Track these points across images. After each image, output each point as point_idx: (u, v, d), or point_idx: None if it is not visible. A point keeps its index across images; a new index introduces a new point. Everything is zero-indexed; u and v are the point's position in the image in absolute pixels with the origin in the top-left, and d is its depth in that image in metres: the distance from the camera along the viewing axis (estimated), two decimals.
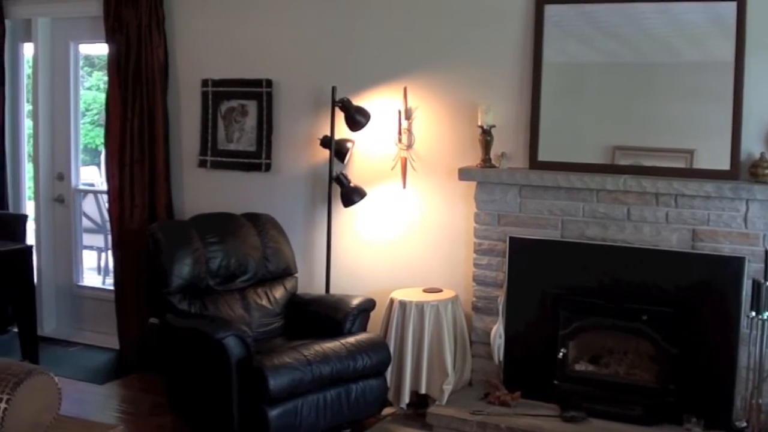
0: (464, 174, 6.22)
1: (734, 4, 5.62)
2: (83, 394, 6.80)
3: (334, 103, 6.66)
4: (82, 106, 8.63)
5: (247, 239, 6.54)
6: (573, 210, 5.97)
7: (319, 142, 6.81)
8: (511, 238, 6.14)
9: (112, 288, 7.87)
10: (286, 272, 6.70)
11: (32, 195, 8.65)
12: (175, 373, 6.08)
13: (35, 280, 7.76)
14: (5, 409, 3.36)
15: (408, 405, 6.22)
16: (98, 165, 10.86)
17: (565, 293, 5.98)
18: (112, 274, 8.11)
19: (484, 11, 6.36)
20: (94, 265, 10.01)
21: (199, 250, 6.27)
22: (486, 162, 6.21)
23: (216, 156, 7.42)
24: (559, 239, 6.02)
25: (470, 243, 6.36)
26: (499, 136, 6.21)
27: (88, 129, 10.37)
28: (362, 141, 6.79)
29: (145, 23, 7.36)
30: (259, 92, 7.18)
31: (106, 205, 8.10)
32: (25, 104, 8.62)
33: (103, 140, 7.96)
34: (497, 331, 6.18)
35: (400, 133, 6.60)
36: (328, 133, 6.72)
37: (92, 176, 10.67)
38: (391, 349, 6.11)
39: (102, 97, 8.72)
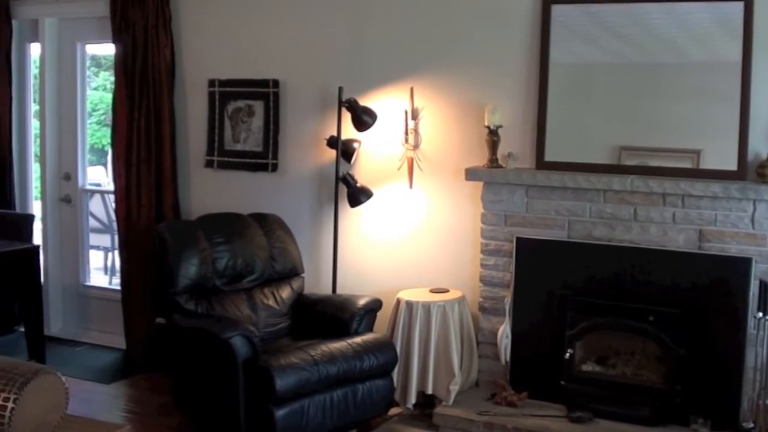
0: (471, 174, 6.22)
1: (741, 4, 5.62)
2: (90, 394, 6.81)
3: (340, 104, 6.66)
4: (88, 107, 8.64)
5: (253, 239, 6.54)
6: (580, 210, 5.96)
7: (325, 142, 6.81)
8: (517, 238, 6.14)
9: (118, 288, 7.87)
10: (293, 272, 6.70)
11: (39, 195, 8.66)
12: (182, 373, 6.09)
13: (42, 279, 7.76)
14: (12, 408, 3.36)
15: (414, 405, 6.22)
16: (105, 165, 10.88)
17: (572, 294, 5.97)
18: (118, 274, 8.11)
19: (490, 11, 6.35)
20: (101, 265, 10.03)
21: (206, 250, 6.28)
22: (493, 162, 6.20)
23: (223, 156, 7.43)
24: (565, 239, 6.02)
25: (477, 243, 6.36)
26: (506, 136, 6.21)
27: (95, 129, 10.39)
28: (369, 141, 6.79)
29: (152, 23, 7.36)
30: (265, 92, 7.18)
31: (113, 205, 8.11)
32: (32, 104, 8.64)
33: (109, 140, 7.97)
34: (504, 331, 6.17)
35: (406, 133, 6.60)
36: (335, 134, 6.72)
37: (99, 176, 10.70)
38: (398, 350, 6.11)
39: (108, 97, 8.75)
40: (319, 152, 6.99)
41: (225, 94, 7.37)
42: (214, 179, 7.51)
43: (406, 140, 6.60)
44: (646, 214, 5.77)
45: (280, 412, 5.40)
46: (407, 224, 6.75)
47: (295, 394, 5.45)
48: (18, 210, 8.39)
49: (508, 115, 6.24)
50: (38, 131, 8.49)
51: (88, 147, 8.58)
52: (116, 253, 8.80)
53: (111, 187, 8.17)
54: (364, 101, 6.68)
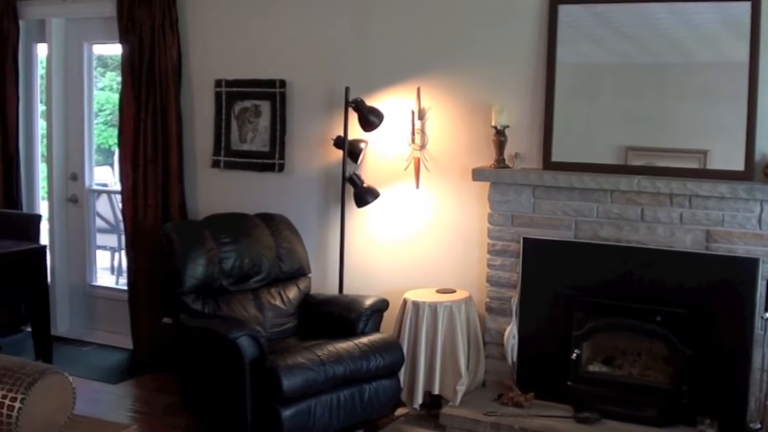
0: (478, 174, 6.21)
1: (748, 4, 5.61)
2: (97, 394, 6.82)
3: (347, 104, 6.66)
4: (95, 107, 8.64)
5: (260, 239, 6.54)
6: (587, 210, 5.96)
7: (332, 142, 6.81)
8: (524, 238, 6.13)
9: (125, 288, 7.88)
10: (300, 272, 6.70)
11: (46, 195, 8.67)
12: (189, 373, 6.09)
13: (49, 279, 7.77)
14: (20, 408, 3.36)
15: (421, 405, 6.21)
16: (111, 165, 10.89)
17: (579, 294, 5.97)
18: (125, 274, 8.12)
19: (497, 11, 6.35)
20: (108, 265, 10.04)
21: (213, 251, 6.28)
22: (499, 162, 6.20)
23: (229, 156, 7.43)
24: (572, 240, 6.01)
25: (484, 243, 6.36)
26: (513, 137, 6.21)
27: (101, 129, 10.39)
28: (375, 141, 6.79)
29: (159, 23, 7.37)
30: (272, 93, 7.19)
31: (120, 205, 8.12)
32: (39, 105, 8.65)
33: (116, 140, 7.98)
34: (511, 331, 6.17)
35: (413, 133, 6.59)
36: (342, 134, 6.72)
37: (105, 176, 10.71)
38: (405, 350, 6.11)
39: (115, 97, 8.76)
40: (325, 152, 7.00)
41: (232, 94, 7.38)
42: (221, 179, 7.52)
43: (413, 140, 6.60)
44: (653, 214, 5.77)
45: (286, 412, 5.40)
46: (414, 224, 6.74)
47: (302, 394, 5.45)
48: (25, 210, 8.40)
49: (515, 116, 6.24)
50: (45, 131, 8.50)
51: (94, 147, 8.59)
52: (123, 253, 8.80)
53: (118, 187, 8.17)
54: (371, 101, 6.68)
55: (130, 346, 7.76)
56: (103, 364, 7.61)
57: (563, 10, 6.11)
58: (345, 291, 6.80)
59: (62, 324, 8.43)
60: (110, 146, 10.67)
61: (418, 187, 6.66)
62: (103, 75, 10.68)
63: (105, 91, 10.71)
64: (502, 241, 6.24)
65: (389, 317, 6.38)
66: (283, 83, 7.14)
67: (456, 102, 6.52)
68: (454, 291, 6.40)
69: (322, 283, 6.99)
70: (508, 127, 6.18)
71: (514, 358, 6.19)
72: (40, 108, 8.65)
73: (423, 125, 6.59)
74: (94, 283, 8.58)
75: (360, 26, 6.84)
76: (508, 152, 6.20)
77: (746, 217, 5.53)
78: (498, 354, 6.29)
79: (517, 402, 5.92)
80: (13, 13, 8.15)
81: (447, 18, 6.51)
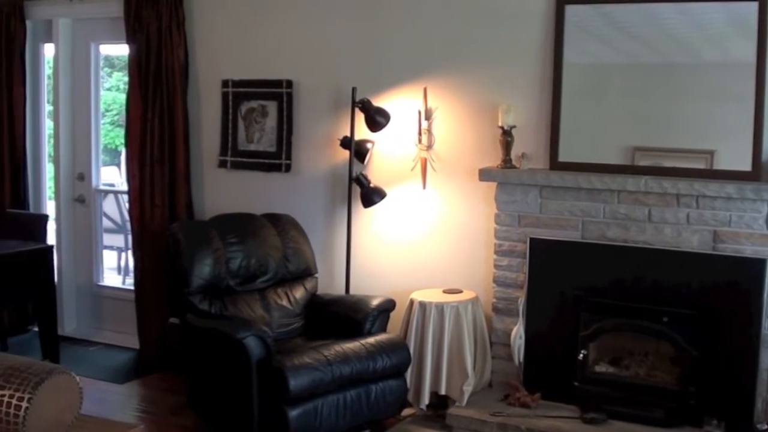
0: (485, 175, 6.21)
1: (756, 5, 5.59)
2: (104, 394, 6.82)
3: (354, 104, 6.66)
4: (102, 107, 8.65)
5: (267, 240, 6.55)
6: (594, 211, 5.95)
7: (339, 142, 6.81)
8: (531, 239, 6.13)
9: (132, 288, 7.89)
10: (306, 273, 6.70)
11: (53, 195, 8.68)
12: (196, 373, 6.10)
13: (56, 279, 7.79)
14: (27, 408, 3.36)
15: (428, 406, 6.21)
16: (118, 165, 10.91)
17: (586, 294, 5.96)
18: (132, 274, 8.14)
19: (504, 12, 6.35)
20: (115, 264, 10.05)
21: (220, 251, 6.29)
22: (506, 163, 6.20)
23: (236, 156, 7.43)
24: (579, 240, 6.00)
25: (490, 244, 6.35)
26: (520, 137, 6.20)
27: (108, 129, 10.41)
28: (382, 142, 6.79)
29: (166, 24, 7.37)
30: (279, 93, 7.19)
31: (127, 205, 8.12)
32: (46, 105, 8.66)
33: (123, 140, 8.00)
34: (517, 332, 6.16)
35: (420, 133, 6.59)
36: (348, 134, 6.72)
37: (112, 176, 10.72)
38: (411, 350, 6.11)
39: (122, 97, 8.75)
40: (332, 153, 7.00)
41: (238, 94, 7.38)
42: (228, 179, 7.52)
43: (420, 141, 6.60)
44: (660, 214, 5.76)
45: (293, 413, 5.40)
46: (420, 225, 6.74)
47: (309, 394, 5.46)
48: (32, 210, 8.42)
49: (522, 116, 6.23)
50: (52, 131, 8.52)
51: (101, 147, 8.59)
52: (130, 253, 8.81)
53: (124, 187, 8.18)
54: (378, 101, 6.68)
55: (137, 346, 7.77)
56: (109, 364, 7.62)
57: (570, 10, 6.10)
58: (352, 291, 6.81)
59: (69, 324, 8.44)
60: (117, 146, 10.68)
61: (424, 187, 6.66)
62: (109, 75, 10.69)
63: (112, 91, 10.72)
64: (508, 242, 6.24)
65: (396, 317, 6.38)
66: (289, 83, 7.14)
67: (463, 102, 6.51)
68: (460, 291, 6.39)
69: (329, 283, 6.99)
70: (514, 127, 6.17)
71: (521, 359, 6.19)
72: (47, 108, 8.66)
73: (430, 125, 6.59)
74: (101, 283, 8.59)
75: (367, 27, 6.84)
76: (515, 152, 6.19)
77: (753, 218, 5.51)
78: (505, 354, 6.28)
79: (524, 402, 5.92)
80: (20, 13, 8.17)
81: (454, 18, 6.51)
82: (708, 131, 5.85)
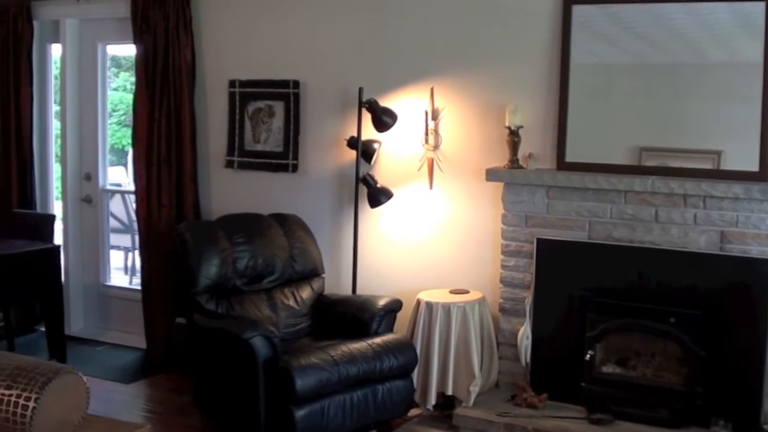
0: (491, 175, 6.21)
1: (763, 5, 5.58)
2: (110, 394, 6.82)
3: (361, 104, 6.66)
4: (109, 107, 8.66)
5: (274, 240, 6.55)
6: (600, 211, 5.95)
7: (345, 143, 6.81)
8: (538, 239, 6.13)
9: (139, 288, 7.90)
10: (313, 273, 6.70)
11: (60, 195, 8.69)
12: (202, 373, 6.10)
13: (63, 279, 7.80)
14: (34, 408, 3.37)
15: (434, 406, 6.21)
16: (125, 165, 10.92)
17: (593, 295, 5.96)
18: (139, 274, 8.14)
19: (511, 12, 6.34)
20: (121, 264, 10.07)
21: (227, 251, 6.29)
22: (513, 163, 6.19)
23: (243, 156, 7.44)
24: (586, 241, 6.00)
25: (497, 244, 6.35)
26: (527, 137, 6.20)
27: (115, 129, 10.43)
28: (389, 142, 6.79)
29: (173, 24, 7.38)
30: (286, 93, 7.19)
31: (133, 205, 8.15)
32: (53, 105, 8.67)
33: (130, 140, 8.00)
34: (524, 332, 6.16)
35: (426, 133, 6.59)
36: (355, 134, 6.72)
37: (119, 176, 10.73)
38: (418, 350, 6.11)
39: (128, 97, 8.78)
40: (339, 153, 7.00)
41: (245, 94, 7.38)
42: (235, 179, 7.52)
43: (427, 141, 6.60)
44: (667, 215, 5.75)
45: (300, 413, 5.40)
46: (427, 225, 6.74)
47: (315, 394, 5.46)
48: (39, 210, 8.43)
49: (529, 116, 6.22)
50: (59, 131, 8.52)
51: (108, 147, 8.60)
52: (137, 253, 8.83)
53: (131, 187, 8.20)
54: (385, 102, 6.68)
55: (144, 346, 7.78)
56: (116, 364, 7.63)
57: (577, 10, 6.10)
58: (358, 291, 6.81)
59: (76, 324, 8.45)
60: (124, 146, 10.70)
61: (431, 187, 6.65)
62: (116, 75, 10.72)
63: (118, 91, 10.75)
64: (515, 242, 6.23)
65: (402, 318, 6.38)
66: (296, 84, 7.14)
67: (469, 102, 6.51)
68: (467, 291, 6.39)
69: (336, 283, 6.99)
70: (521, 127, 6.17)
71: (528, 359, 6.18)
72: (54, 108, 8.67)
73: (436, 125, 6.59)
74: (108, 283, 8.60)
75: (373, 27, 6.84)
76: (521, 153, 6.19)
77: (761, 218, 5.51)
78: (511, 355, 6.28)
79: (531, 403, 5.91)
80: (28, 13, 8.18)
81: (461, 18, 6.51)
82: (715, 131, 5.85)
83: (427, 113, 6.58)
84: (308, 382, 5.37)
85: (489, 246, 6.48)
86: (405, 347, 5.96)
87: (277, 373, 5.42)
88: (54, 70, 8.70)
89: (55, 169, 8.76)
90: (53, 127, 8.69)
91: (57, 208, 8.72)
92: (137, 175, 7.67)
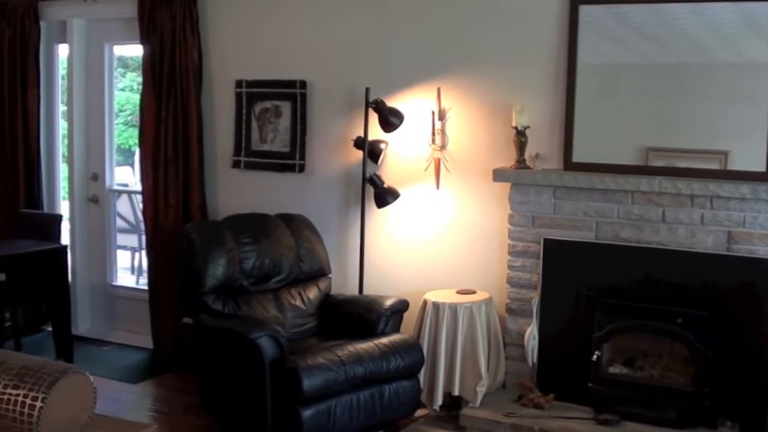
0: (498, 175, 6.20)
1: None
2: (117, 393, 6.84)
3: (367, 104, 6.66)
4: (115, 107, 8.67)
5: (281, 240, 6.55)
6: (607, 211, 5.94)
7: (352, 143, 6.81)
8: (545, 239, 6.12)
9: (145, 288, 7.91)
10: (320, 273, 6.71)
11: (67, 195, 8.70)
12: (209, 373, 6.11)
13: (70, 279, 7.80)
14: (41, 407, 3.36)
15: (441, 407, 6.20)
16: (132, 165, 10.93)
17: (600, 295, 5.95)
18: (145, 274, 8.15)
19: (518, 12, 6.34)
20: (128, 264, 10.08)
21: (233, 251, 6.29)
22: (520, 163, 6.19)
23: (250, 157, 7.44)
24: (593, 241, 5.99)
25: (504, 244, 6.35)
26: (534, 137, 6.19)
27: (122, 129, 10.43)
28: (396, 142, 6.79)
29: (180, 25, 7.38)
30: (293, 93, 7.19)
31: (140, 205, 8.15)
32: (60, 105, 8.69)
33: (136, 141, 8.02)
34: (531, 333, 6.15)
35: (433, 134, 6.59)
36: (362, 134, 6.72)
37: (126, 177, 10.74)
38: (425, 351, 6.11)
39: (135, 97, 8.79)
40: (346, 153, 7.00)
41: (252, 94, 7.39)
42: (241, 179, 7.53)
43: (433, 141, 6.59)
44: (674, 215, 5.74)
45: (306, 413, 5.41)
46: (434, 225, 6.74)
47: (322, 394, 5.46)
48: (46, 210, 8.44)
49: (536, 116, 6.22)
50: (66, 132, 8.54)
51: (115, 147, 8.61)
52: (143, 253, 8.84)
53: (138, 187, 8.20)
54: (391, 102, 6.67)
55: (151, 346, 7.79)
56: (123, 364, 7.64)
57: (584, 10, 6.09)
58: (365, 291, 6.80)
59: (83, 323, 8.46)
60: (131, 146, 10.71)
61: (438, 187, 6.65)
62: (123, 75, 10.72)
63: (125, 91, 10.75)
64: (522, 242, 6.23)
65: (409, 318, 6.38)
66: (303, 84, 7.15)
67: (476, 102, 6.51)
68: (474, 292, 6.39)
69: (343, 283, 6.99)
70: (528, 127, 6.16)
71: (535, 360, 6.18)
72: (61, 108, 8.69)
73: (443, 126, 6.59)
74: (115, 283, 8.61)
75: (380, 27, 6.84)
76: (528, 153, 6.18)
77: None
78: (518, 355, 6.28)
79: (538, 403, 5.91)
80: (35, 14, 8.19)
81: (467, 18, 6.50)
82: (722, 132, 5.84)
83: (433, 113, 6.57)
84: (315, 382, 5.38)
85: (496, 246, 6.48)
86: (412, 347, 5.96)
87: (284, 373, 5.43)
88: (61, 70, 8.71)
89: (62, 169, 8.78)
90: (60, 128, 8.71)
91: (64, 208, 8.74)
92: (144, 175, 7.68)
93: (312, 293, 6.57)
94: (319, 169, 7.18)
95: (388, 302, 6.26)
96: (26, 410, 3.37)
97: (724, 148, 5.80)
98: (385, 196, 6.68)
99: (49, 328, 7.81)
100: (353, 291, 6.86)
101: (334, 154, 7.10)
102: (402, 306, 6.29)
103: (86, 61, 8.35)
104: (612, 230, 5.93)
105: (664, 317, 5.74)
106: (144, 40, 7.57)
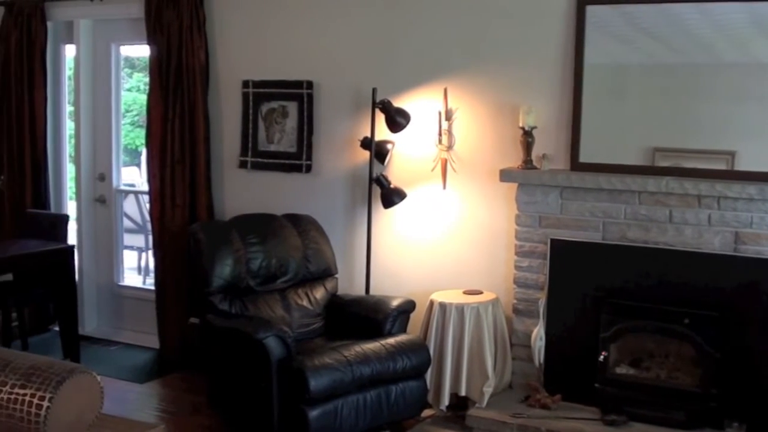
0: (505, 175, 6.20)
1: None
2: (124, 393, 6.84)
3: (374, 105, 6.66)
4: (122, 107, 8.67)
5: (287, 240, 6.55)
6: (614, 212, 5.93)
7: (359, 143, 6.81)
8: (552, 240, 6.12)
9: (152, 288, 7.92)
10: (327, 273, 6.71)
11: (74, 195, 8.72)
12: (216, 373, 6.11)
13: (77, 279, 7.82)
14: (48, 407, 3.37)
15: (448, 407, 6.20)
16: (138, 165, 10.94)
17: (606, 296, 5.94)
18: (152, 274, 8.16)
19: (525, 12, 6.33)
20: (135, 265, 10.08)
21: (240, 251, 6.29)
22: (527, 163, 6.18)
23: (256, 157, 7.44)
24: (600, 241, 5.98)
25: (511, 245, 6.34)
26: (540, 138, 6.19)
27: (129, 130, 10.43)
28: (402, 142, 6.78)
29: (186, 25, 7.39)
30: (299, 93, 7.19)
31: (147, 205, 8.15)
32: (67, 105, 8.69)
33: (143, 141, 8.01)
34: (538, 333, 6.15)
35: (440, 134, 6.58)
36: (369, 135, 6.72)
37: (133, 177, 10.75)
38: (431, 351, 6.11)
39: (142, 98, 8.78)
40: (352, 153, 7.00)
41: (259, 95, 7.39)
42: (248, 180, 7.53)
43: (440, 141, 6.59)
44: (681, 215, 5.74)
45: (313, 413, 5.41)
46: (441, 225, 6.74)
47: (329, 394, 5.46)
48: (53, 210, 8.45)
49: (543, 116, 6.22)
50: (73, 132, 8.55)
51: (122, 147, 8.62)
52: (150, 253, 8.84)
53: (145, 187, 8.21)
54: (398, 102, 6.67)
55: (157, 346, 7.80)
56: (130, 364, 7.64)
57: (590, 10, 6.08)
58: (372, 292, 6.81)
59: (90, 323, 8.47)
60: (137, 147, 10.71)
61: (445, 188, 6.65)
62: (130, 76, 10.72)
63: (132, 91, 10.75)
64: (529, 243, 6.22)
65: (416, 318, 6.37)
66: (310, 84, 7.15)
67: (483, 103, 6.51)
68: (481, 292, 6.38)
69: (349, 283, 6.99)
70: (535, 128, 6.16)
71: (541, 360, 6.17)
72: (68, 109, 8.70)
73: (450, 126, 6.58)
74: (122, 283, 8.62)
75: (387, 28, 6.84)
76: (535, 153, 6.18)
77: None
78: (525, 356, 6.27)
79: (544, 404, 5.91)
80: (42, 14, 8.19)
81: (474, 18, 6.50)
82: (729, 132, 5.83)
83: (440, 114, 6.57)
84: (322, 383, 5.38)
85: (502, 247, 6.48)
86: (418, 348, 5.96)
87: (290, 373, 5.43)
88: (68, 70, 8.72)
89: (69, 170, 8.79)
90: (67, 128, 8.72)
91: (71, 209, 8.75)
92: (151, 175, 7.68)
93: (319, 293, 6.58)
94: (325, 170, 7.18)
95: (395, 302, 6.25)
96: (33, 410, 3.38)
97: (732, 148, 5.79)
98: (391, 197, 6.68)
99: (56, 328, 7.83)
100: (360, 291, 6.86)
101: (340, 155, 7.10)
102: (409, 306, 6.29)
103: (93, 62, 8.36)
104: (619, 231, 5.92)
105: (671, 318, 5.73)
106: (151, 41, 7.57)
